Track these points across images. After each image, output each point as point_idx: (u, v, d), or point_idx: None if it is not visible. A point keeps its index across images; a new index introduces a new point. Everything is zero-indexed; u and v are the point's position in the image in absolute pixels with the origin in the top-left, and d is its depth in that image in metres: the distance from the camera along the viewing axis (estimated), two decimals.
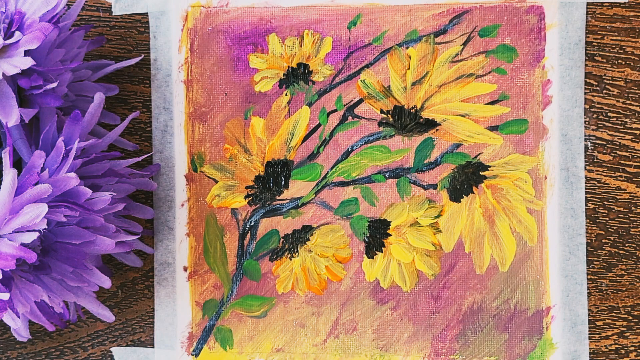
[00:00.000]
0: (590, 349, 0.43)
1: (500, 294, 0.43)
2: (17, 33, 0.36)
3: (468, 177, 0.44)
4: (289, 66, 0.44)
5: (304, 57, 0.44)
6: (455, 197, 0.44)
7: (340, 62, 0.44)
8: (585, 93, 0.43)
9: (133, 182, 0.42)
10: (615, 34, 0.43)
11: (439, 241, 0.44)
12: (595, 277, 0.43)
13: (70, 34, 0.40)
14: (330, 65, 0.44)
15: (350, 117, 0.44)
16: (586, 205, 0.43)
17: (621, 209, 0.43)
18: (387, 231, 0.44)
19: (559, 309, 0.43)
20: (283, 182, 0.44)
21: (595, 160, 0.43)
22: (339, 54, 0.44)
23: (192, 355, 0.45)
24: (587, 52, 0.43)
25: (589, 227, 0.43)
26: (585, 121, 0.43)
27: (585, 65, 0.43)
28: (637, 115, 0.43)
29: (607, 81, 0.43)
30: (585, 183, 0.43)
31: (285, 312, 0.45)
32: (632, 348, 0.43)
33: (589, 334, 0.43)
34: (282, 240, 0.44)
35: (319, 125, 0.44)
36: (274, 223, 0.44)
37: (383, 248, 0.44)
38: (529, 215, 0.43)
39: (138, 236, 0.41)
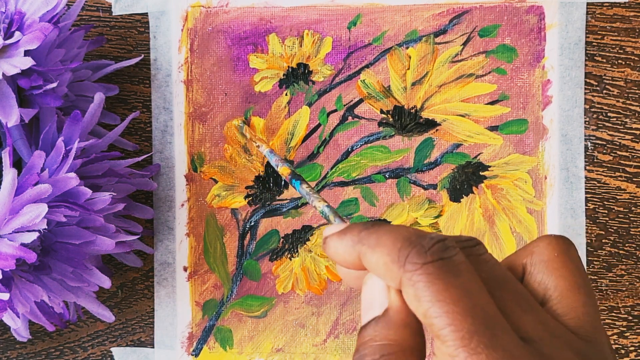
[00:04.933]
0: None
1: None
2: (17, 33, 0.36)
3: (468, 177, 0.44)
4: (289, 66, 0.44)
5: (304, 57, 0.44)
6: (455, 197, 0.44)
7: (340, 62, 0.44)
8: (585, 93, 0.43)
9: (133, 182, 0.42)
10: (615, 34, 0.43)
11: None
12: (595, 277, 0.43)
13: (70, 34, 0.40)
14: (330, 65, 0.44)
15: (350, 117, 0.44)
16: (586, 205, 0.43)
17: (621, 209, 0.43)
18: None
19: None
20: (283, 182, 0.44)
21: (595, 160, 0.43)
22: (339, 54, 0.44)
23: (192, 355, 0.45)
24: (587, 52, 0.43)
25: (589, 227, 0.43)
26: (585, 121, 0.43)
27: (585, 65, 0.43)
28: (637, 115, 0.43)
29: (607, 81, 0.43)
30: (585, 183, 0.43)
31: (285, 312, 0.45)
32: (632, 348, 0.43)
33: None
34: (282, 240, 0.44)
35: (319, 125, 0.44)
36: (274, 223, 0.44)
37: None
38: (529, 215, 0.43)
39: (138, 236, 0.41)
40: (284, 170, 0.31)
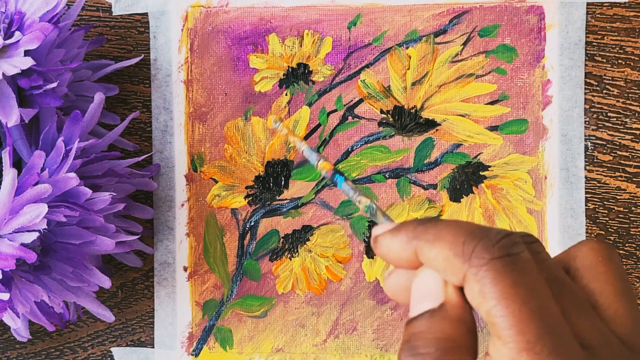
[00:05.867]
0: None
1: None
2: (17, 33, 0.36)
3: (468, 177, 0.44)
4: (289, 66, 0.44)
5: (304, 57, 0.44)
6: (455, 197, 0.44)
7: (340, 62, 0.44)
8: (585, 93, 0.43)
9: (133, 182, 0.42)
10: (615, 34, 0.43)
11: None
12: None
13: (70, 34, 0.40)
14: (330, 65, 0.44)
15: (350, 117, 0.44)
16: (586, 205, 0.43)
17: (621, 209, 0.43)
18: None
19: None
20: (283, 182, 0.44)
21: (595, 160, 0.43)
22: (339, 54, 0.44)
23: (192, 355, 0.45)
24: (587, 52, 0.43)
25: (589, 227, 0.43)
26: (585, 121, 0.43)
27: (585, 65, 0.43)
28: (637, 115, 0.43)
29: (607, 81, 0.43)
30: (585, 183, 0.43)
31: (285, 312, 0.44)
32: None
33: None
34: (282, 240, 0.44)
35: (319, 125, 0.44)
36: (274, 223, 0.44)
37: None
38: (529, 215, 0.43)
39: (138, 236, 0.41)
40: (325, 166, 0.31)
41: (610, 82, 0.43)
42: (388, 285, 0.25)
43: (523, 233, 0.22)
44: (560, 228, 0.43)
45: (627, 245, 0.43)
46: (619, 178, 0.43)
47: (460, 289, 0.22)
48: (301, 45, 0.44)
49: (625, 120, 0.43)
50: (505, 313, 0.19)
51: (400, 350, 0.22)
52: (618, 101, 0.43)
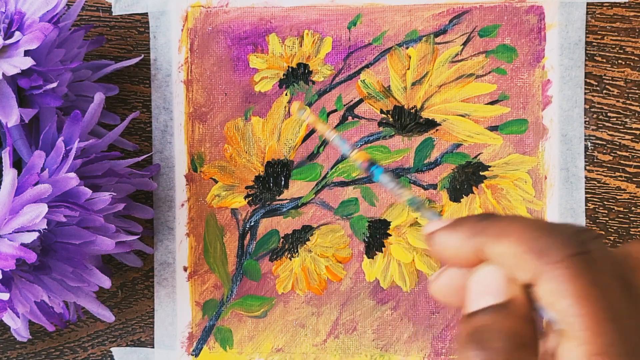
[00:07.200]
0: None
1: None
2: (17, 33, 0.36)
3: (468, 177, 0.44)
4: (289, 66, 0.44)
5: (304, 57, 0.44)
6: (455, 197, 0.44)
7: (340, 62, 0.44)
8: (585, 93, 0.43)
9: (133, 182, 0.42)
10: (615, 34, 0.43)
11: None
12: None
13: (70, 34, 0.40)
14: (330, 65, 0.44)
15: (350, 117, 0.44)
16: (586, 205, 0.43)
17: (621, 209, 0.43)
18: (387, 231, 0.44)
19: None
20: (283, 182, 0.44)
21: (595, 160, 0.43)
22: (339, 54, 0.44)
23: (192, 355, 0.45)
24: (587, 52, 0.43)
25: (589, 227, 0.43)
26: (585, 121, 0.43)
27: (585, 65, 0.43)
28: (637, 115, 0.43)
29: (607, 81, 0.43)
30: (585, 183, 0.43)
31: (285, 312, 0.44)
32: None
33: None
34: (282, 240, 0.44)
35: None
36: (274, 223, 0.44)
37: (383, 248, 0.44)
38: (529, 215, 0.43)
39: (138, 236, 0.41)
40: (360, 156, 0.29)
41: (610, 82, 0.43)
42: (438, 286, 0.24)
43: (585, 227, 0.22)
44: None
45: None
46: (619, 178, 0.43)
47: (524, 287, 0.21)
48: (301, 45, 0.44)
49: (625, 120, 0.43)
50: (581, 313, 0.19)
51: (463, 343, 0.21)
52: (618, 101, 0.43)
